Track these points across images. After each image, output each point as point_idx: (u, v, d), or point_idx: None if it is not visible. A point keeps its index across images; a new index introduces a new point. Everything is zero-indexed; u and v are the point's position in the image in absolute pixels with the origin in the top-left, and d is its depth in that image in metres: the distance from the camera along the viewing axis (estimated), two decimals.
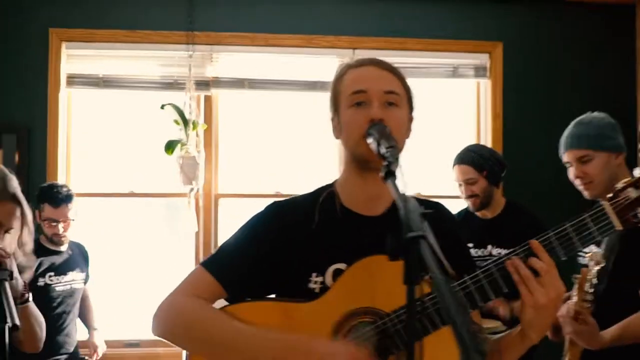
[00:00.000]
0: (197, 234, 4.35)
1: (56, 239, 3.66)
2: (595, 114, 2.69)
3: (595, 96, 4.54)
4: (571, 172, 2.64)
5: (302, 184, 3.97)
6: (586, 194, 2.61)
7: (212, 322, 1.53)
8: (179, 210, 4.35)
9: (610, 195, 1.49)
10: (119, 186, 4.45)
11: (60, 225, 3.62)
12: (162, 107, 4.10)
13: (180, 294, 1.60)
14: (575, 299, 2.43)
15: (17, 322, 2.00)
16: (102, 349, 3.87)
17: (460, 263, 1.54)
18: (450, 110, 4.65)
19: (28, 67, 4.25)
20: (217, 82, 4.40)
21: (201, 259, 4.27)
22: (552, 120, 4.41)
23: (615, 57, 4.67)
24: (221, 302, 1.63)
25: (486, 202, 3.40)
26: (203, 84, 4.38)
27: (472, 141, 4.56)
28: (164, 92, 4.37)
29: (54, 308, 3.66)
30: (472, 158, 3.39)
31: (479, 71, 4.56)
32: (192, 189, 4.23)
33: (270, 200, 1.71)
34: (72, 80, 4.34)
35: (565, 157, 2.65)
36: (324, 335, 1.52)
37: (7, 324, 1.99)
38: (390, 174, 1.35)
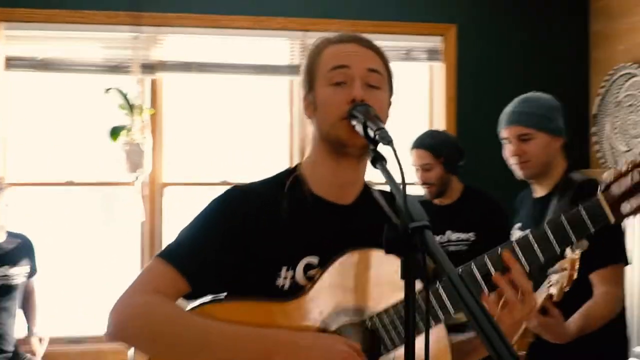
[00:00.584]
0: (142, 224, 4.22)
1: None
2: (542, 94, 2.65)
3: (551, 79, 4.50)
4: (508, 149, 2.58)
5: (252, 172, 3.86)
6: (520, 174, 2.57)
7: (177, 321, 1.37)
8: (122, 200, 4.22)
9: (603, 187, 1.44)
10: (59, 175, 4.27)
11: None
12: (107, 91, 3.96)
13: (137, 292, 1.41)
14: (553, 289, 2.34)
15: None
16: (40, 352, 3.71)
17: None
18: (403, 94, 4.50)
19: None
20: (163, 66, 4.25)
21: (147, 250, 4.22)
22: (507, 101, 4.43)
23: (571, 37, 4.67)
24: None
25: (442, 191, 3.32)
26: (149, 67, 4.23)
27: (425, 126, 4.52)
28: (108, 76, 4.21)
29: None
30: (429, 143, 3.30)
31: (432, 54, 4.51)
32: (137, 177, 4.09)
33: (218, 190, 1.55)
34: (11, 62, 4.14)
35: (505, 132, 2.60)
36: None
37: None
38: (380, 158, 1.26)
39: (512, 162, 2.57)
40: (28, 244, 3.75)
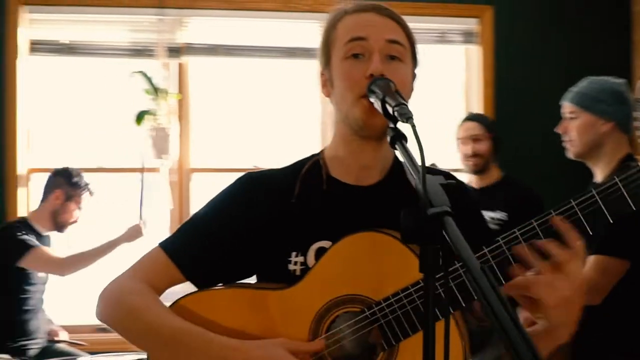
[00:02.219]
0: (171, 210, 4.13)
1: (70, 225, 3.70)
2: (611, 78, 2.61)
3: (590, 61, 4.35)
4: (559, 126, 2.64)
5: (281, 158, 3.75)
6: (567, 153, 2.61)
7: (149, 315, 1.35)
8: (149, 186, 4.12)
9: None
10: (86, 160, 4.21)
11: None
12: (132, 74, 3.89)
13: (128, 278, 1.42)
14: None
15: None
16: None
17: (482, 243, 1.29)
18: (437, 78, 4.49)
19: None
20: (189, 49, 4.16)
21: None
22: (545, 87, 4.32)
23: (612, 20, 4.49)
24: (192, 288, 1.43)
25: (485, 167, 3.31)
26: (174, 51, 4.13)
27: (461, 110, 4.42)
28: (133, 60, 4.15)
29: (34, 292, 3.55)
30: (482, 118, 3.37)
31: (468, 37, 4.38)
32: (163, 163, 4.00)
33: None
34: (35, 47, 4.11)
35: (562, 108, 2.64)
36: (304, 328, 1.33)
37: None
38: (400, 137, 1.14)
39: (563, 138, 2.62)
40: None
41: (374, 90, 1.26)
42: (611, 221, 1.23)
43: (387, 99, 1.20)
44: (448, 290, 0.99)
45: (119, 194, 4.27)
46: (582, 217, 1.24)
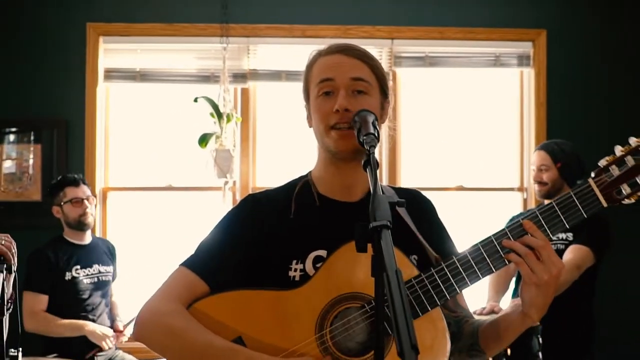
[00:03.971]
0: None
1: (84, 219, 3.74)
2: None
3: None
4: None
5: None
6: None
7: (186, 334, 1.52)
8: (215, 205, 4.33)
9: (594, 173, 1.52)
10: (155, 180, 4.45)
11: (87, 202, 3.74)
12: (195, 100, 4.07)
13: (161, 299, 1.59)
14: None
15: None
16: (125, 334, 3.80)
17: (443, 246, 1.66)
18: (493, 100, 4.57)
19: (66, 61, 4.30)
20: (254, 75, 4.37)
21: None
22: (597, 109, 4.38)
23: None
24: None
25: (553, 193, 3.47)
26: (240, 77, 4.36)
27: (516, 132, 4.52)
28: (200, 85, 4.37)
29: (84, 300, 3.71)
30: (551, 147, 3.52)
31: (522, 60, 4.45)
32: (226, 182, 4.20)
33: None
34: (110, 74, 4.37)
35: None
36: (311, 323, 1.53)
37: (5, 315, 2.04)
38: (369, 163, 1.37)
39: None
40: (111, 248, 3.98)
41: (356, 120, 1.50)
42: (567, 226, 1.52)
43: (362, 129, 1.46)
44: (380, 288, 1.18)
45: (186, 211, 4.47)
46: (543, 222, 1.52)
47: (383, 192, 1.29)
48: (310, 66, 1.66)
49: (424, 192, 1.81)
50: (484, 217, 4.36)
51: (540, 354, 3.07)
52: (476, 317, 1.72)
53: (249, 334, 1.53)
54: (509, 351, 3.06)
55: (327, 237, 1.59)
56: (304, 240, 1.61)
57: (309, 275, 1.58)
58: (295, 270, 1.59)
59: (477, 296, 3.46)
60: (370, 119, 1.49)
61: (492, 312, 3.32)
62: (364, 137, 1.43)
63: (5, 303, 2.09)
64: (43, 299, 3.62)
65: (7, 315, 2.08)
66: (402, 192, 1.74)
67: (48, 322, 3.59)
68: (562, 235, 3.38)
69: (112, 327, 3.77)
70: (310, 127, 1.68)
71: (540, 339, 3.08)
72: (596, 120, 4.30)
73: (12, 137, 4.26)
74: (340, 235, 1.54)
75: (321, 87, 1.60)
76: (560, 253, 3.27)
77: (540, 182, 3.49)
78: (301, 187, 1.68)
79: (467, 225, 4.23)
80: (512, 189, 4.49)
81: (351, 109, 1.55)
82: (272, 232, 1.62)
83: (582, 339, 3.38)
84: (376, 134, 1.45)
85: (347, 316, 1.53)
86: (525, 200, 4.44)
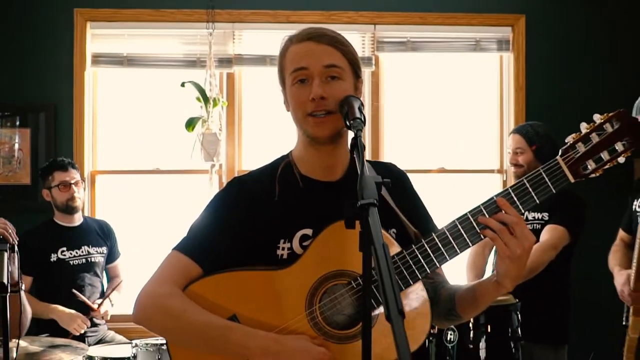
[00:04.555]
0: None
1: (71, 203, 3.79)
2: None
3: (622, 68, 4.48)
4: None
5: None
6: None
7: (184, 314, 1.60)
8: (201, 187, 4.41)
9: (561, 150, 1.59)
10: (143, 163, 4.51)
11: (74, 187, 3.79)
12: (183, 84, 4.12)
13: (158, 282, 1.66)
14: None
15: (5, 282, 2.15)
16: (101, 311, 3.78)
17: (418, 215, 1.77)
18: (473, 85, 4.64)
19: (54, 46, 4.33)
20: (239, 60, 4.43)
21: None
22: (577, 93, 4.44)
23: None
24: None
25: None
26: (225, 61, 4.42)
27: (495, 115, 4.59)
28: (186, 70, 4.41)
29: (70, 282, 3.76)
30: (526, 130, 3.57)
31: (502, 44, 4.52)
32: (213, 165, 4.28)
33: None
34: (97, 59, 4.41)
35: None
36: (301, 300, 1.62)
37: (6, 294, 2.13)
38: (356, 146, 1.46)
39: None
40: (106, 228, 4.02)
41: (343, 106, 1.59)
42: (537, 202, 1.59)
43: (349, 114, 1.54)
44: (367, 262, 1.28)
45: (173, 194, 4.54)
46: (516, 200, 1.59)
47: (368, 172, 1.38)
48: (283, 54, 1.72)
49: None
50: (464, 198, 4.43)
51: (519, 330, 3.14)
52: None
53: (243, 313, 1.62)
54: (489, 328, 3.11)
55: (311, 216, 1.67)
56: (289, 220, 1.68)
57: (297, 254, 1.66)
58: (283, 249, 1.67)
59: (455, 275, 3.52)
60: (357, 104, 1.57)
61: None
62: (351, 122, 1.52)
63: (15, 281, 2.22)
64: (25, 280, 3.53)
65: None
66: (378, 166, 1.82)
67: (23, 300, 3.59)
68: (538, 215, 3.46)
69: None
70: (288, 111, 1.75)
71: (519, 316, 3.16)
72: (573, 104, 4.35)
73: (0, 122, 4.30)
74: (324, 214, 1.63)
75: (296, 76, 1.66)
76: (536, 233, 3.34)
77: (516, 165, 3.54)
78: (283, 168, 1.75)
79: (448, 206, 4.29)
80: (491, 171, 4.59)
81: (326, 97, 1.62)
82: (258, 214, 1.68)
83: (559, 317, 3.47)
84: (362, 118, 1.53)
85: (335, 292, 1.62)
86: (504, 182, 4.53)
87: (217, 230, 1.69)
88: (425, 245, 1.60)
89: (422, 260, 1.60)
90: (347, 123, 1.54)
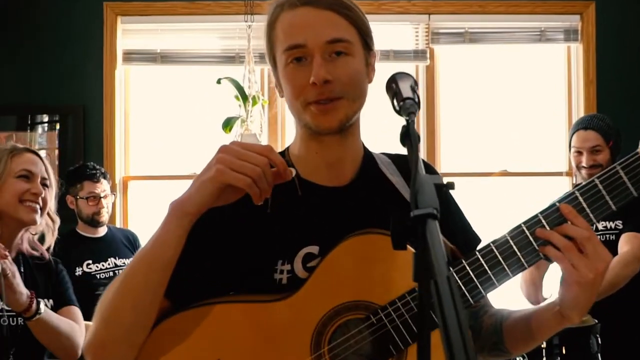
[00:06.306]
0: None
1: (97, 218, 3.58)
2: None
3: None
4: None
5: None
6: None
7: (108, 297, 1.37)
8: None
9: None
10: (178, 168, 4.34)
11: (104, 201, 3.58)
12: (219, 81, 3.93)
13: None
14: None
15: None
16: None
17: (456, 230, 1.42)
18: (538, 78, 4.48)
19: (83, 43, 4.24)
20: None
21: None
22: None
23: None
24: None
25: None
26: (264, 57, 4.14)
27: (563, 112, 4.41)
28: (223, 67, 4.27)
29: (97, 297, 3.50)
30: (599, 125, 3.21)
31: (569, 34, 4.34)
32: None
33: None
34: (129, 56, 4.30)
35: None
36: (306, 339, 1.27)
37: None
38: (407, 135, 1.08)
39: None
40: (133, 238, 3.81)
41: (391, 85, 1.23)
42: (614, 208, 1.29)
43: (397, 94, 1.18)
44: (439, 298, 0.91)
45: None
46: (585, 207, 1.27)
47: (425, 171, 1.01)
48: (271, 25, 1.35)
49: (465, 178, 1.55)
50: (529, 204, 4.22)
51: (599, 355, 2.84)
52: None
53: (229, 357, 1.27)
54: (563, 350, 2.81)
55: (317, 231, 1.34)
56: (289, 236, 1.34)
57: (299, 278, 1.32)
58: (282, 272, 1.32)
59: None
60: (408, 81, 1.22)
61: None
62: (401, 102, 1.16)
63: (29, 304, 2.12)
64: None
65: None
66: (399, 160, 1.46)
67: None
68: (610, 224, 3.12)
69: None
70: (281, 97, 1.38)
71: (599, 339, 2.86)
72: None
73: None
74: (332, 227, 1.31)
75: (289, 55, 1.30)
76: (610, 245, 2.99)
77: (593, 166, 3.20)
78: None
79: (511, 213, 4.12)
80: (559, 174, 4.39)
81: (331, 79, 1.27)
82: (246, 230, 1.34)
83: None
84: (416, 99, 1.17)
85: (349, 331, 1.28)
86: (574, 186, 4.22)
87: (188, 251, 1.26)
88: (467, 267, 1.27)
89: (463, 288, 1.27)
90: (397, 107, 1.18)
